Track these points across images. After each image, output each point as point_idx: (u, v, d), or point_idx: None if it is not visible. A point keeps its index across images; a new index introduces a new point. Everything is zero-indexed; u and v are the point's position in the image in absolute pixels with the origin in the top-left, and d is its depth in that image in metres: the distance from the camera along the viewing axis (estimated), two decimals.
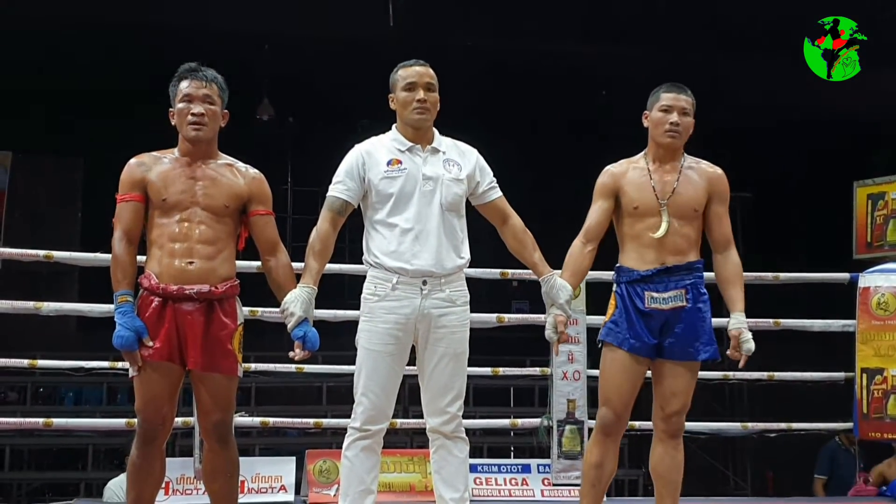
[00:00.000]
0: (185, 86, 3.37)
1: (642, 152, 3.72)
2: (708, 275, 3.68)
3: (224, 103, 3.45)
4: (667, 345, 3.58)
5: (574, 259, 3.62)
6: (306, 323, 3.32)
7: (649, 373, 3.68)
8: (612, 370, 3.60)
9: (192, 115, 3.33)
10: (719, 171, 3.71)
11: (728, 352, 3.64)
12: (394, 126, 3.56)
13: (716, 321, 4.59)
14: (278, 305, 3.38)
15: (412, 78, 3.48)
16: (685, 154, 3.70)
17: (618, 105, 4.00)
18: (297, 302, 3.32)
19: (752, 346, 3.59)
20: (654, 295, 3.55)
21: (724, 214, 3.68)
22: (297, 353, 3.33)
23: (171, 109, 3.41)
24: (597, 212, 3.65)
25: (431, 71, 3.52)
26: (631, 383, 3.60)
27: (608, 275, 3.89)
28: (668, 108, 3.62)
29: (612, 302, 3.65)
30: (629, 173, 3.65)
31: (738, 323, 3.60)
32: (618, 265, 3.68)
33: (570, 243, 3.71)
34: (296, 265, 3.52)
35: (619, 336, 3.58)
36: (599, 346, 3.70)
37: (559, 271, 3.65)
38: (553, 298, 3.51)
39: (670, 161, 3.64)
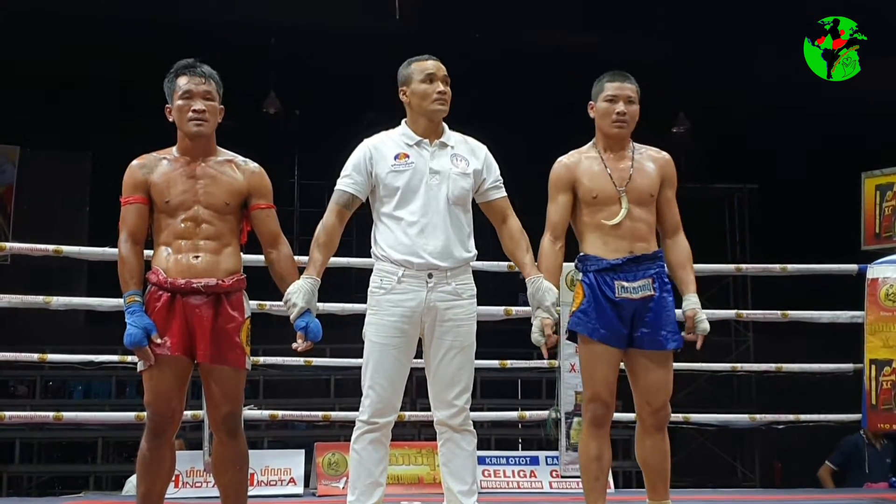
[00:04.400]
0: (183, 82, 3.36)
1: (590, 142, 3.70)
2: None
3: (220, 99, 3.44)
4: (638, 335, 3.54)
5: (548, 258, 3.58)
6: (309, 314, 3.33)
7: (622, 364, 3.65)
8: (593, 363, 3.56)
9: (194, 111, 3.33)
10: (667, 155, 3.71)
11: (683, 334, 3.60)
12: (403, 121, 3.56)
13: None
14: (283, 297, 3.39)
15: (431, 70, 3.48)
16: (632, 141, 3.68)
17: None
18: (299, 293, 3.32)
19: (706, 326, 3.58)
20: (625, 284, 3.52)
21: (673, 199, 3.67)
22: (299, 343, 3.34)
23: (167, 106, 3.41)
24: (559, 207, 3.62)
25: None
26: (612, 372, 3.56)
27: None
28: (614, 98, 3.60)
29: (578, 291, 3.59)
30: (582, 163, 3.63)
31: (692, 304, 3.58)
32: (582, 254, 3.63)
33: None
34: (303, 258, 3.52)
35: (588, 326, 3.53)
36: (567, 336, 3.68)
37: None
38: (539, 301, 3.47)
39: (620, 149, 3.63)
